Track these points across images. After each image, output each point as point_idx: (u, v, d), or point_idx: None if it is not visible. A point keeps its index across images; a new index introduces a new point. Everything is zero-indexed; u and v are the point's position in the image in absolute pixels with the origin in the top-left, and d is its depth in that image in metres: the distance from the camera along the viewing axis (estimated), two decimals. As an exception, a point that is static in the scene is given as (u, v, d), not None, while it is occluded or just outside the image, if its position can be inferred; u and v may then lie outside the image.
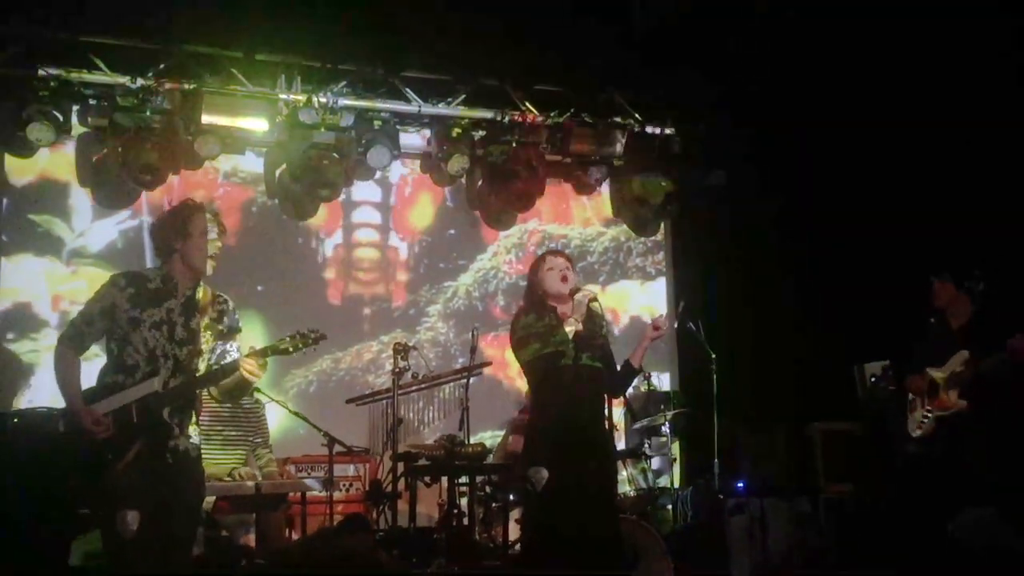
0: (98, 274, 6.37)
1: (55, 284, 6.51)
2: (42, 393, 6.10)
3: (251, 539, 5.34)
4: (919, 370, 5.24)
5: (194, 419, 3.97)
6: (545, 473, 4.22)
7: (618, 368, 4.51)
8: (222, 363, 3.92)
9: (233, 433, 5.65)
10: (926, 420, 5.17)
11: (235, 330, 4.00)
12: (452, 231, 7.52)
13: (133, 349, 3.80)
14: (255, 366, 3.85)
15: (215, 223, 3.92)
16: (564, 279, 4.40)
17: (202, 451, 5.17)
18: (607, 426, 4.58)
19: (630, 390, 6.72)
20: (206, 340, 3.93)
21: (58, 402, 3.86)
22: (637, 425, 6.57)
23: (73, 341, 3.84)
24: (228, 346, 3.99)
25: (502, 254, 7.66)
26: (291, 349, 3.95)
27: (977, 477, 4.87)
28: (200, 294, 3.96)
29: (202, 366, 3.93)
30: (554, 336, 4.31)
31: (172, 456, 3.84)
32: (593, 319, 4.36)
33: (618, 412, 6.40)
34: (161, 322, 3.82)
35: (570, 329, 4.35)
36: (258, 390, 5.86)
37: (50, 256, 6.53)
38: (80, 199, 6.59)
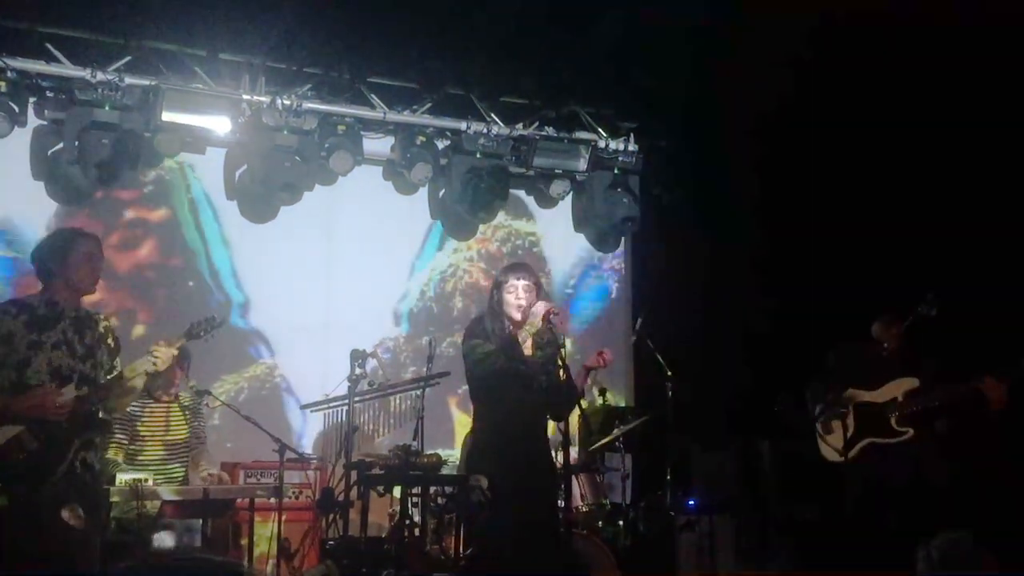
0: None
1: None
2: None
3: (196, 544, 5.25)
4: (839, 391, 5.31)
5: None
6: (485, 482, 4.26)
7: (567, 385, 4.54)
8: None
9: (175, 437, 5.56)
10: (855, 445, 5.22)
11: (119, 348, 4.20)
12: (407, 225, 7.12)
13: (35, 371, 3.93)
14: (162, 354, 4.06)
15: (99, 249, 4.14)
16: (520, 307, 4.43)
17: (144, 456, 5.18)
18: (561, 439, 4.62)
19: (584, 403, 6.75)
20: (101, 353, 4.10)
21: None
22: (592, 439, 6.57)
23: None
24: (116, 362, 4.20)
25: (463, 251, 7.27)
26: (201, 334, 4.23)
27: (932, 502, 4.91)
28: (84, 312, 4.14)
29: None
30: (505, 363, 4.38)
31: (81, 466, 3.95)
32: (547, 338, 4.40)
33: (573, 425, 6.40)
34: (60, 342, 3.99)
35: (523, 341, 4.39)
36: (208, 393, 5.78)
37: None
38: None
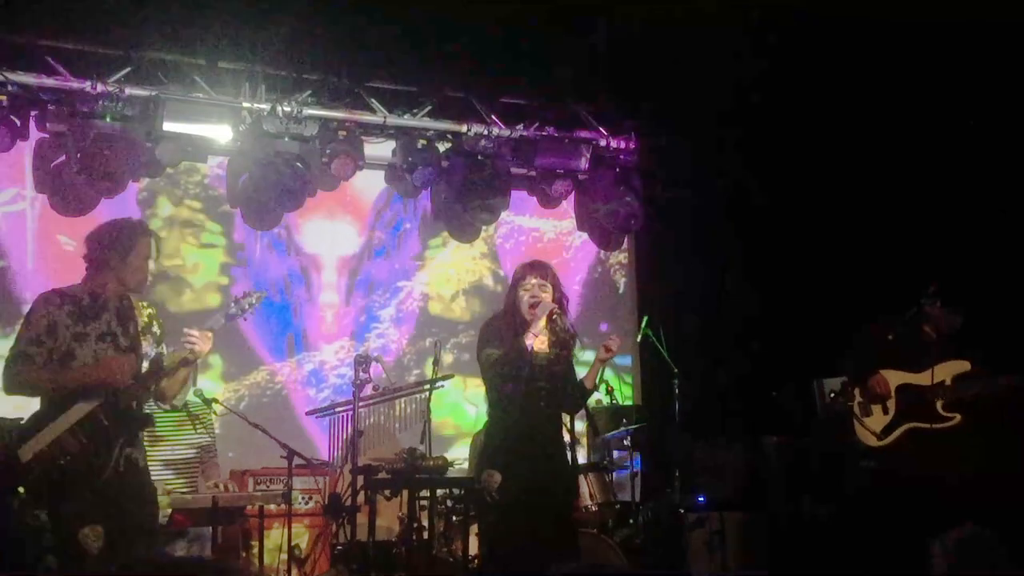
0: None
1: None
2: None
3: (207, 552, 5.25)
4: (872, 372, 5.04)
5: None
6: (498, 477, 4.26)
7: (575, 385, 4.55)
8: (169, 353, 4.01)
9: (184, 449, 5.55)
10: (895, 429, 5.01)
11: (164, 334, 4.11)
12: (408, 225, 7.15)
13: (80, 363, 3.82)
14: (199, 337, 3.92)
15: (157, 248, 4.01)
16: (533, 306, 4.43)
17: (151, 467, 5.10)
18: (568, 439, 4.63)
19: (591, 402, 6.76)
20: (145, 343, 4.01)
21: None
22: (599, 438, 6.58)
23: (21, 363, 3.78)
24: (162, 348, 4.08)
25: (465, 248, 7.22)
26: (240, 311, 4.06)
27: (965, 496, 4.72)
28: (128, 302, 4.03)
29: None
30: (513, 367, 4.38)
31: (125, 464, 3.82)
32: (557, 334, 4.40)
33: (580, 425, 6.40)
34: (104, 334, 3.88)
35: (532, 343, 4.38)
36: (216, 401, 5.79)
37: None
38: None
